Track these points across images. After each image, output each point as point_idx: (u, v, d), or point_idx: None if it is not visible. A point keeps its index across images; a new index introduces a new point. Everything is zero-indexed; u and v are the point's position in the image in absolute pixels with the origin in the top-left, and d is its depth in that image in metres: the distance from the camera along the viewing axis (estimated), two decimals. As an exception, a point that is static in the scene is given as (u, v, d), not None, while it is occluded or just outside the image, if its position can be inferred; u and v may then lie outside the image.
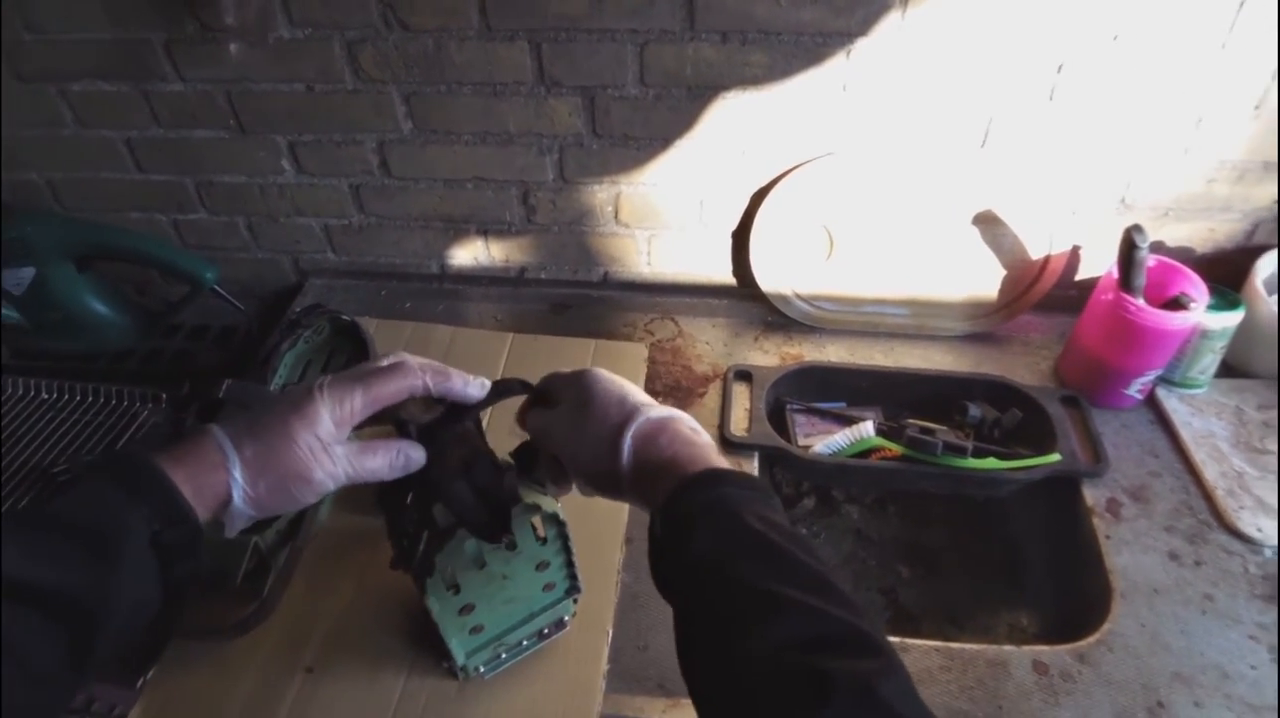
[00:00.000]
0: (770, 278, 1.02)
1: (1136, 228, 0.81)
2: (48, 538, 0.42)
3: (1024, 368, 0.97)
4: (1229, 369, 0.93)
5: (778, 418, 0.95)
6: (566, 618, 0.69)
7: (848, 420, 0.92)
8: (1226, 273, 0.91)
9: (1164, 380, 0.90)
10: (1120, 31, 0.81)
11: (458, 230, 1.08)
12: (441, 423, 0.54)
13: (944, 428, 0.88)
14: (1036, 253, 0.95)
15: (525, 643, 0.67)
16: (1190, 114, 0.86)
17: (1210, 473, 0.82)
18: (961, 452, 0.83)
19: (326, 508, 0.80)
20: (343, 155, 1.01)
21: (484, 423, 0.74)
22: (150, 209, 1.11)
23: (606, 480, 0.51)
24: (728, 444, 0.88)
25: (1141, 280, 0.83)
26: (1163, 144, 0.88)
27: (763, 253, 1.00)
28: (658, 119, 0.93)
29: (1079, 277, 1.00)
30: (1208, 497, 0.81)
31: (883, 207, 0.95)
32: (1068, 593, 0.84)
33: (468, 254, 1.11)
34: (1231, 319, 0.85)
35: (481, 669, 0.66)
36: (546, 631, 0.68)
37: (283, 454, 0.48)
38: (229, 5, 0.87)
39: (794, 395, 0.97)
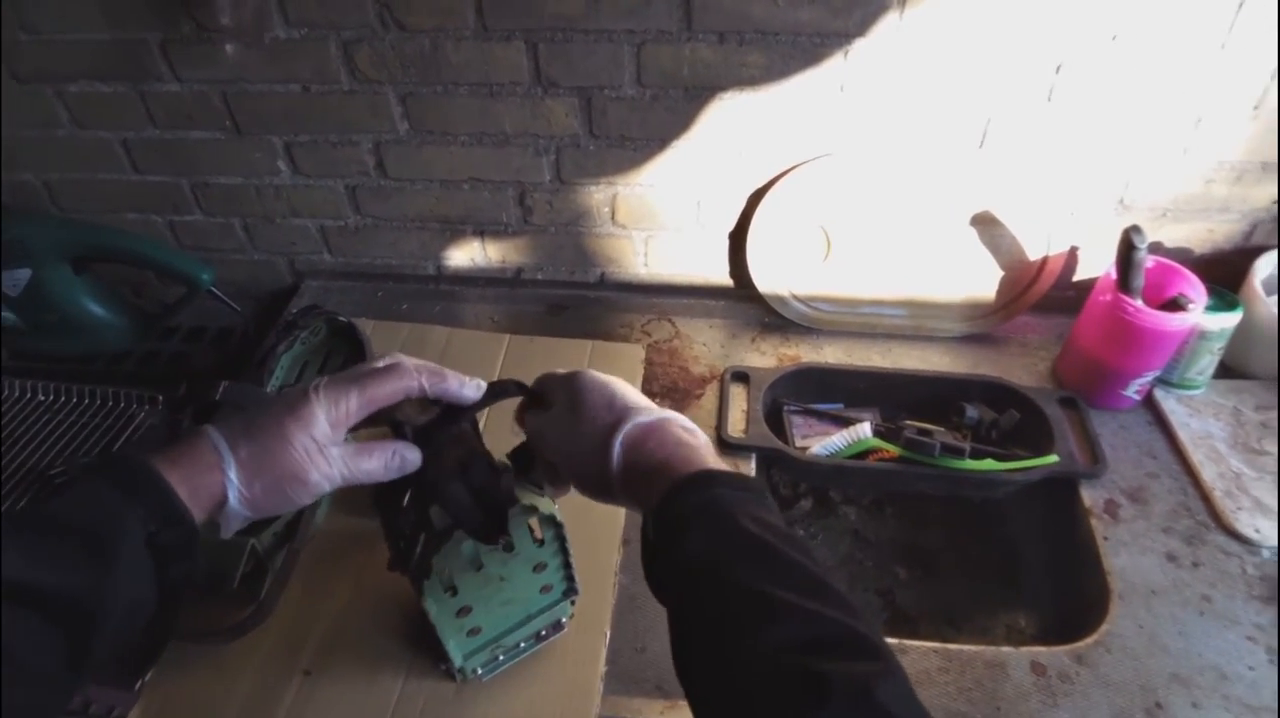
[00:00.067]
0: (767, 279, 1.02)
1: (1135, 229, 0.81)
2: (44, 539, 0.42)
3: (1022, 369, 0.97)
4: (1227, 370, 0.93)
5: (775, 419, 0.95)
6: (564, 620, 0.69)
7: (845, 422, 0.92)
8: (1225, 274, 0.91)
9: (1162, 381, 0.90)
10: (1119, 32, 0.81)
11: (454, 231, 1.08)
12: (437, 424, 0.54)
13: (942, 429, 0.88)
14: (1034, 254, 0.95)
15: (523, 645, 0.67)
16: (1189, 114, 0.86)
17: (1208, 474, 0.82)
18: (959, 453, 0.83)
19: (323, 510, 0.80)
20: (339, 156, 1.01)
21: (481, 424, 0.74)
22: (146, 210, 1.10)
23: (597, 484, 0.51)
24: (725, 446, 0.87)
25: (1140, 281, 0.83)
26: (1161, 144, 0.88)
27: (760, 254, 1.00)
28: (655, 120, 0.92)
29: (1077, 277, 1.00)
30: (1206, 498, 0.81)
31: (880, 207, 0.95)
32: (1065, 594, 0.84)
33: (464, 255, 1.11)
34: (1230, 320, 0.85)
35: (479, 671, 0.66)
36: (544, 632, 0.68)
37: (278, 455, 0.48)
38: (225, 5, 0.87)
39: (791, 397, 0.97)
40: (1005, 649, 0.71)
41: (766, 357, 1.00)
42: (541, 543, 0.60)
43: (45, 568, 0.41)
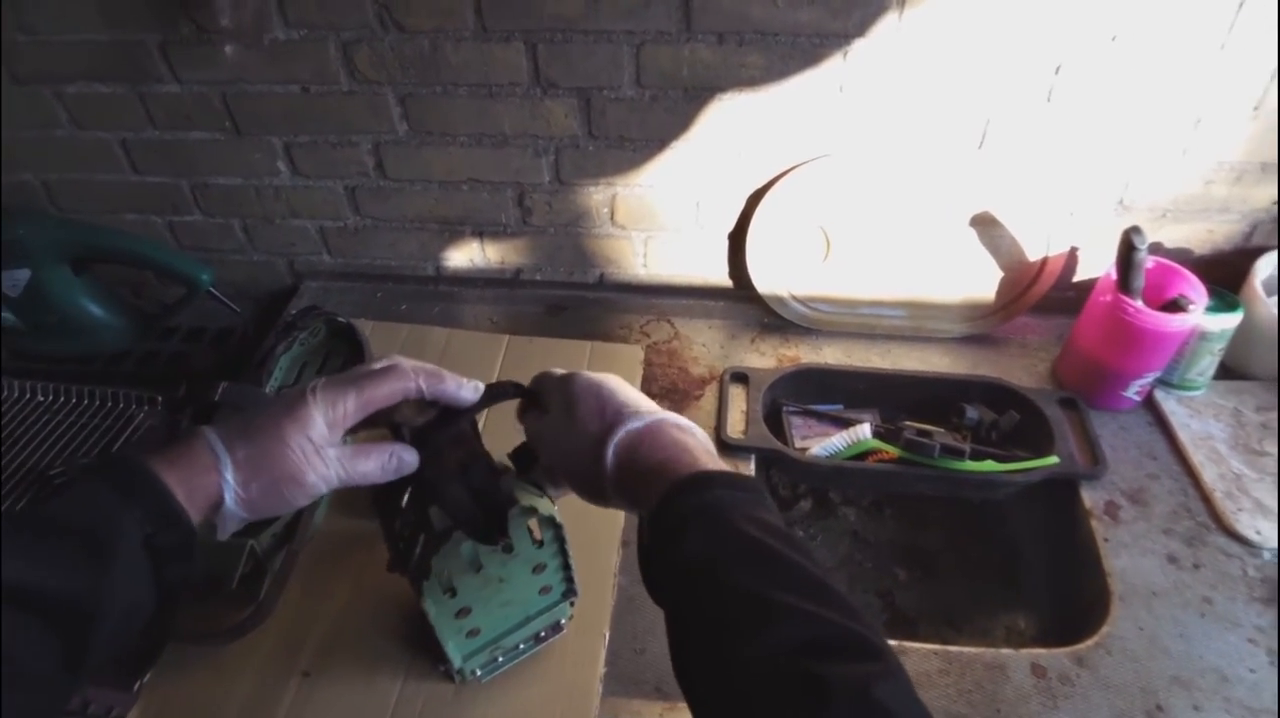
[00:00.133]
0: (767, 279, 1.02)
1: (1135, 229, 0.81)
2: (41, 540, 0.42)
3: (1022, 370, 0.97)
4: (1227, 371, 0.93)
5: (774, 420, 0.95)
6: (563, 621, 0.69)
7: (845, 423, 0.92)
8: (1225, 274, 0.91)
9: (1162, 382, 0.90)
10: (1118, 32, 0.80)
11: (453, 232, 1.08)
12: (435, 426, 0.54)
13: (941, 430, 0.88)
14: (1034, 254, 0.95)
15: (522, 646, 0.67)
16: (1189, 115, 0.85)
17: (1209, 475, 0.82)
18: (959, 454, 0.83)
19: (322, 511, 0.80)
20: (338, 157, 1.01)
21: (481, 424, 0.74)
22: (146, 211, 1.10)
23: (593, 488, 0.51)
24: (724, 447, 0.87)
25: (1140, 282, 0.83)
26: (1161, 145, 0.88)
27: (759, 254, 1.00)
28: (654, 120, 0.92)
29: (1077, 278, 1.00)
30: (1206, 499, 0.81)
31: (880, 208, 0.95)
32: (1066, 596, 0.84)
33: (463, 256, 1.11)
34: (1230, 321, 0.85)
35: (478, 673, 0.66)
36: (543, 634, 0.68)
37: (275, 456, 0.48)
38: (224, 6, 0.87)
39: (791, 398, 0.97)
40: (1005, 651, 0.70)
41: (766, 357, 1.00)
42: (541, 544, 0.59)
43: (43, 570, 0.41)
